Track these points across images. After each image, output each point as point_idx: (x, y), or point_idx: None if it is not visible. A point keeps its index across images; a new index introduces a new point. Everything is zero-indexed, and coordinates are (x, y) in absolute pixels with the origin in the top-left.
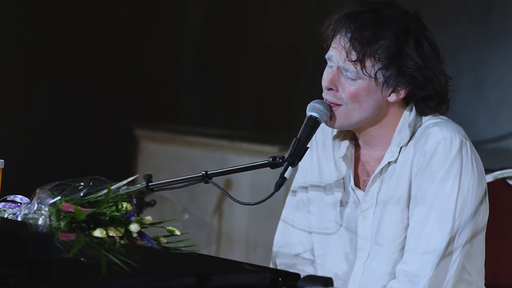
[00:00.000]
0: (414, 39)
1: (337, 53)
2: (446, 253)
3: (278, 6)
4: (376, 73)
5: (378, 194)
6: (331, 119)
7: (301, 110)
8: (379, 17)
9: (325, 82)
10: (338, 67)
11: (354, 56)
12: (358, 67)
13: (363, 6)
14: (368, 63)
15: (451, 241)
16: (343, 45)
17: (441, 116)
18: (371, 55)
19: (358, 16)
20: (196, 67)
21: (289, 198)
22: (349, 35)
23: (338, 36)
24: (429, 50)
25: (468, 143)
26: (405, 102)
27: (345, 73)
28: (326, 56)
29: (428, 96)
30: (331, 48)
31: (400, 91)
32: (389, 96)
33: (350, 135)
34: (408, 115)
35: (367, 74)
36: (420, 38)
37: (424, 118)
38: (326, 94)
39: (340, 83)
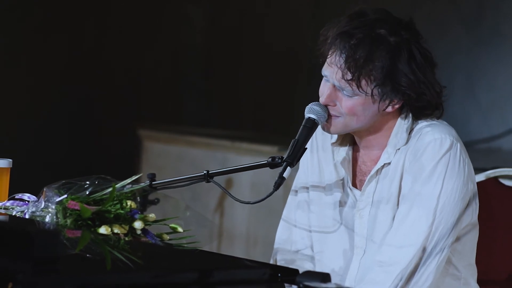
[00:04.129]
0: (407, 51)
1: (333, 72)
2: (425, 247)
3: (278, 9)
4: (372, 90)
5: (374, 194)
6: (330, 127)
7: (299, 112)
8: (372, 34)
9: (322, 98)
10: (333, 85)
11: (349, 76)
12: (354, 86)
13: (357, 24)
14: (363, 82)
15: (430, 236)
16: (338, 66)
17: (436, 119)
18: (366, 75)
19: (352, 35)
20: (198, 69)
21: (290, 197)
22: (344, 56)
23: (333, 56)
24: (421, 61)
25: (458, 144)
26: (400, 108)
27: (341, 91)
28: (322, 73)
29: (422, 106)
30: (326, 65)
31: (395, 103)
32: (385, 109)
33: (348, 138)
34: (404, 119)
35: (363, 92)
36: (412, 49)
37: (420, 121)
38: None
39: (337, 98)
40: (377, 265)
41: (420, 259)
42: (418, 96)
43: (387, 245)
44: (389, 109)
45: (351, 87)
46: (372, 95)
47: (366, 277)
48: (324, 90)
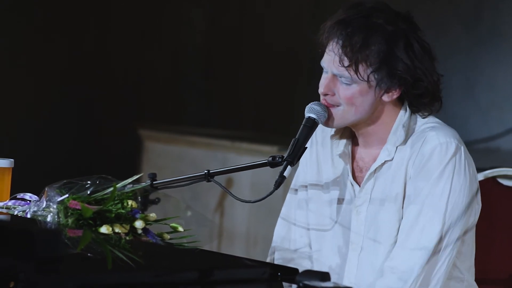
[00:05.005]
0: (404, 40)
1: (330, 60)
2: (436, 251)
3: (278, 9)
4: (368, 76)
5: (372, 190)
6: (328, 119)
7: (299, 112)
8: (369, 22)
9: (321, 88)
10: (332, 74)
11: (346, 62)
12: (351, 72)
13: (354, 12)
14: (361, 68)
15: (441, 239)
16: (335, 52)
17: (437, 120)
18: (363, 60)
19: (349, 23)
20: (198, 70)
21: (288, 196)
22: (340, 42)
23: (331, 43)
24: (419, 50)
25: (462, 147)
26: (400, 102)
27: (339, 79)
28: (321, 63)
29: (420, 94)
30: (325, 55)
31: (393, 91)
32: (382, 96)
33: (347, 133)
34: (403, 115)
35: (360, 78)
36: (410, 38)
37: (420, 121)
38: (323, 99)
39: (335, 88)
40: (389, 271)
41: (433, 260)
42: (414, 82)
43: (399, 248)
44: (386, 98)
45: (349, 73)
46: (368, 80)
47: (379, 283)
48: (323, 80)
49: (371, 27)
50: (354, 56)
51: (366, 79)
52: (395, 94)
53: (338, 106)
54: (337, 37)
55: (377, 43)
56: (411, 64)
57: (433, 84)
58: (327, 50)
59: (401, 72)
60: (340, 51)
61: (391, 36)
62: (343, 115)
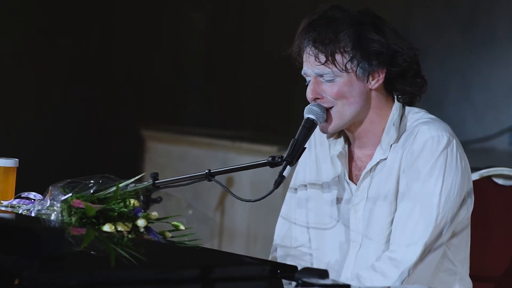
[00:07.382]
0: (371, 24)
1: (308, 64)
2: (430, 244)
3: (278, 12)
4: (346, 64)
5: (369, 189)
6: (326, 123)
7: (299, 112)
8: (332, 17)
9: (309, 95)
10: (314, 77)
11: (323, 58)
12: (330, 66)
13: (316, 17)
14: (338, 58)
15: (435, 233)
16: (310, 54)
17: (430, 116)
18: (337, 50)
19: (315, 24)
20: (199, 72)
21: (288, 194)
22: (311, 43)
23: (304, 50)
24: (388, 30)
25: (454, 140)
26: (391, 97)
27: (322, 79)
28: (302, 73)
29: (402, 71)
30: (303, 64)
31: (377, 75)
32: (368, 82)
33: (344, 133)
34: (394, 113)
35: (340, 69)
36: (377, 23)
37: (412, 117)
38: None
39: (322, 90)
40: (387, 258)
41: (427, 253)
42: (392, 55)
43: (395, 244)
44: (374, 84)
45: (330, 68)
46: (348, 70)
47: (376, 265)
48: (309, 87)
49: (335, 20)
50: (327, 49)
51: (345, 69)
52: (380, 78)
53: (332, 107)
54: (307, 41)
55: (345, 30)
56: (384, 41)
57: (412, 57)
58: (304, 60)
59: (376, 49)
60: (314, 50)
61: (357, 23)
62: (339, 112)
